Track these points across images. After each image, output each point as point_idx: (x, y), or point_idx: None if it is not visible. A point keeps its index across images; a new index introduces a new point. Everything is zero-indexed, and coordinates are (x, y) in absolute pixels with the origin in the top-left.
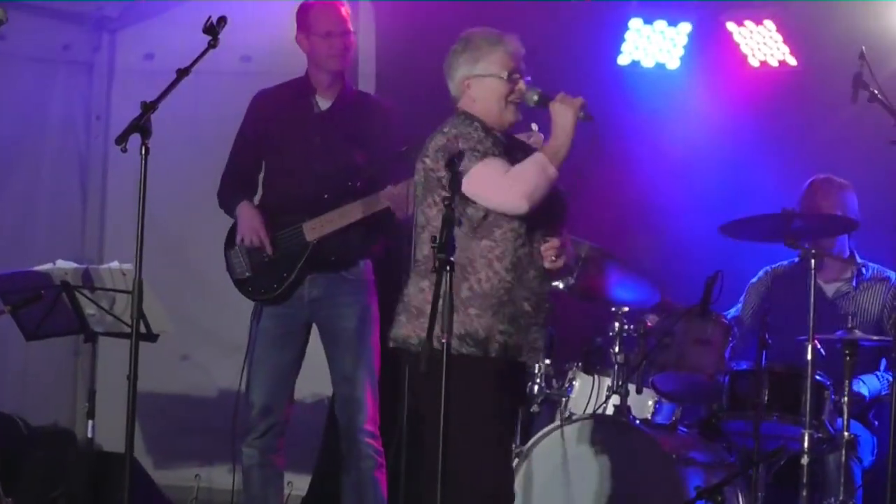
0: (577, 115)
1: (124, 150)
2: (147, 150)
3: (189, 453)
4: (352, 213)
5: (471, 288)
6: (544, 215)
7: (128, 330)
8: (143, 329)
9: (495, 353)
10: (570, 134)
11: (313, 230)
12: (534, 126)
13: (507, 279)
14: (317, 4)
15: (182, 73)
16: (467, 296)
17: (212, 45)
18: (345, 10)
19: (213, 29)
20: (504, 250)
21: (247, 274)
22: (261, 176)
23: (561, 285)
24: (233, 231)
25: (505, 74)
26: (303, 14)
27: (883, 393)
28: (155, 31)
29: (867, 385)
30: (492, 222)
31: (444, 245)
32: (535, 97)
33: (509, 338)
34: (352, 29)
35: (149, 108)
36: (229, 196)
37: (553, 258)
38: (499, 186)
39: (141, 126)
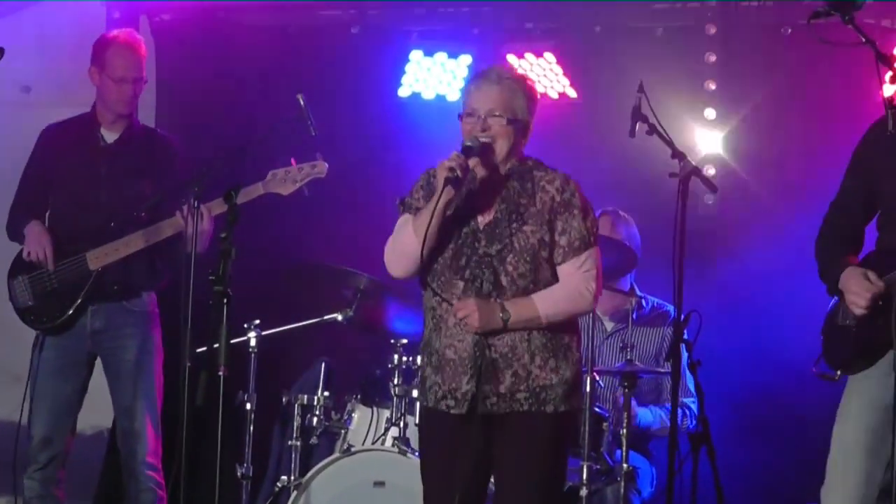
0: (443, 176)
1: None
2: None
3: None
4: (135, 242)
5: (424, 334)
6: (455, 267)
7: None
8: None
9: (431, 402)
10: (434, 199)
11: (96, 259)
12: (318, 156)
13: (431, 328)
14: (115, 43)
15: None
16: (421, 342)
17: None
18: (141, 51)
19: None
20: (430, 300)
21: (29, 303)
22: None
23: (339, 317)
24: (17, 260)
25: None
26: (100, 49)
27: (654, 427)
28: None
29: (640, 417)
30: (423, 273)
31: (221, 277)
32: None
33: (439, 387)
34: (145, 76)
35: None
36: (18, 225)
37: (465, 321)
38: (385, 249)
39: None
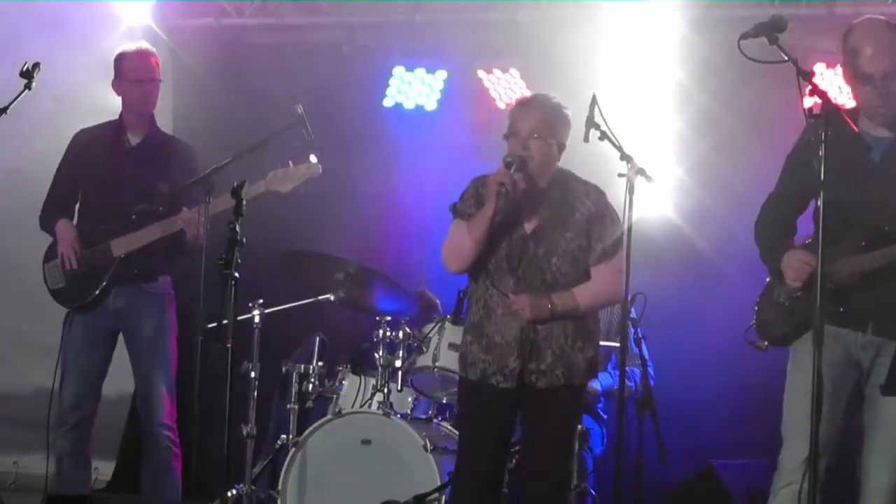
0: (495, 189)
1: None
2: None
3: (8, 443)
4: (153, 232)
5: (469, 319)
6: (508, 266)
7: None
8: None
9: (475, 376)
10: (487, 207)
11: (120, 247)
12: (312, 158)
13: (482, 315)
14: (130, 54)
15: (0, 112)
16: (467, 325)
17: (28, 87)
18: (153, 58)
19: (28, 73)
20: (481, 292)
21: (61, 284)
22: (77, 205)
23: (332, 297)
24: (51, 247)
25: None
26: (117, 62)
27: (615, 388)
28: None
29: (600, 381)
30: (475, 268)
31: (229, 262)
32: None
33: (487, 365)
34: (159, 77)
35: None
36: (49, 218)
37: (518, 312)
38: (442, 248)
39: None
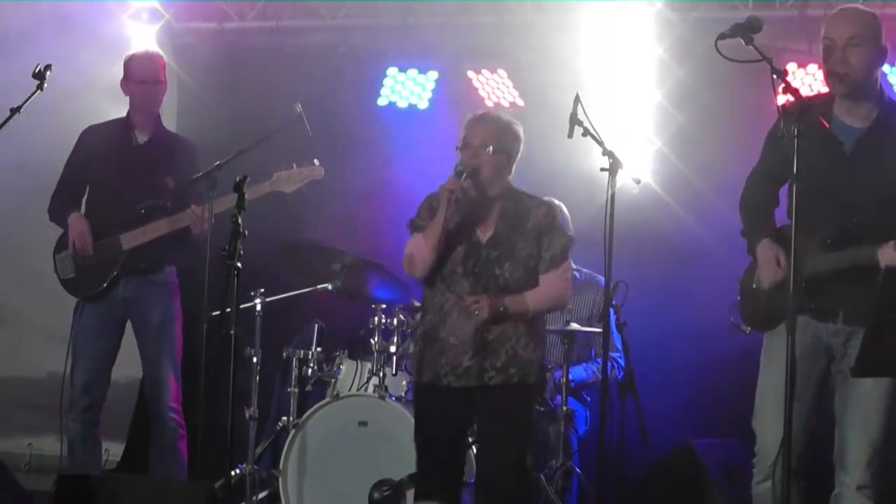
0: (446, 197)
1: None
2: None
3: (23, 426)
4: (160, 227)
5: (423, 327)
6: (463, 271)
7: None
8: None
9: (427, 379)
10: (439, 214)
11: (129, 240)
12: (315, 161)
13: (437, 322)
14: (136, 56)
15: (14, 111)
16: (420, 332)
17: (40, 87)
18: (160, 61)
19: (41, 74)
20: (437, 298)
21: (71, 275)
22: (84, 197)
23: (329, 286)
24: (62, 238)
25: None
26: (126, 64)
27: (588, 380)
28: None
29: (573, 374)
30: (431, 276)
31: (231, 253)
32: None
33: (439, 368)
34: (163, 79)
35: None
36: (59, 210)
37: (476, 312)
38: (403, 258)
39: None
